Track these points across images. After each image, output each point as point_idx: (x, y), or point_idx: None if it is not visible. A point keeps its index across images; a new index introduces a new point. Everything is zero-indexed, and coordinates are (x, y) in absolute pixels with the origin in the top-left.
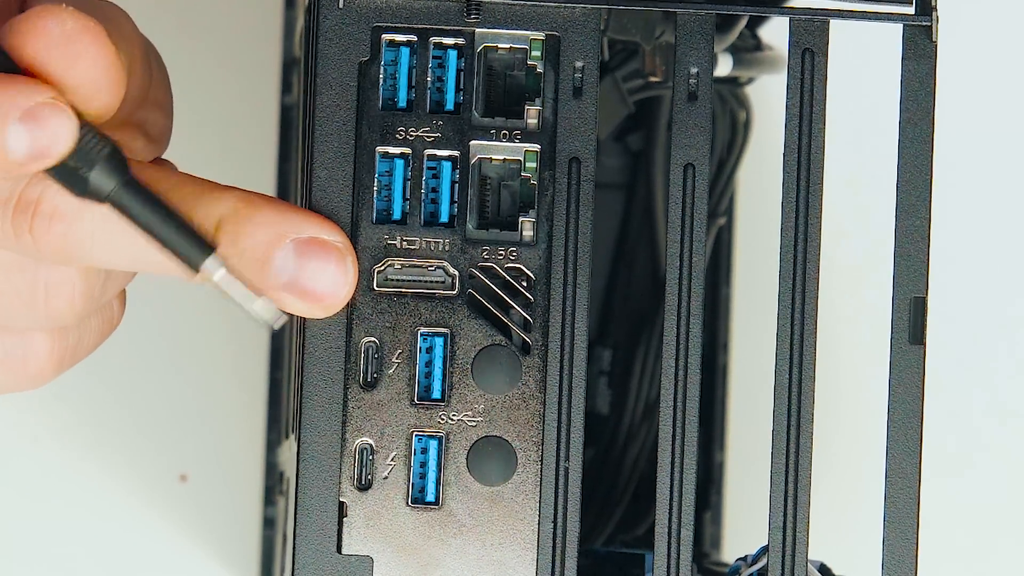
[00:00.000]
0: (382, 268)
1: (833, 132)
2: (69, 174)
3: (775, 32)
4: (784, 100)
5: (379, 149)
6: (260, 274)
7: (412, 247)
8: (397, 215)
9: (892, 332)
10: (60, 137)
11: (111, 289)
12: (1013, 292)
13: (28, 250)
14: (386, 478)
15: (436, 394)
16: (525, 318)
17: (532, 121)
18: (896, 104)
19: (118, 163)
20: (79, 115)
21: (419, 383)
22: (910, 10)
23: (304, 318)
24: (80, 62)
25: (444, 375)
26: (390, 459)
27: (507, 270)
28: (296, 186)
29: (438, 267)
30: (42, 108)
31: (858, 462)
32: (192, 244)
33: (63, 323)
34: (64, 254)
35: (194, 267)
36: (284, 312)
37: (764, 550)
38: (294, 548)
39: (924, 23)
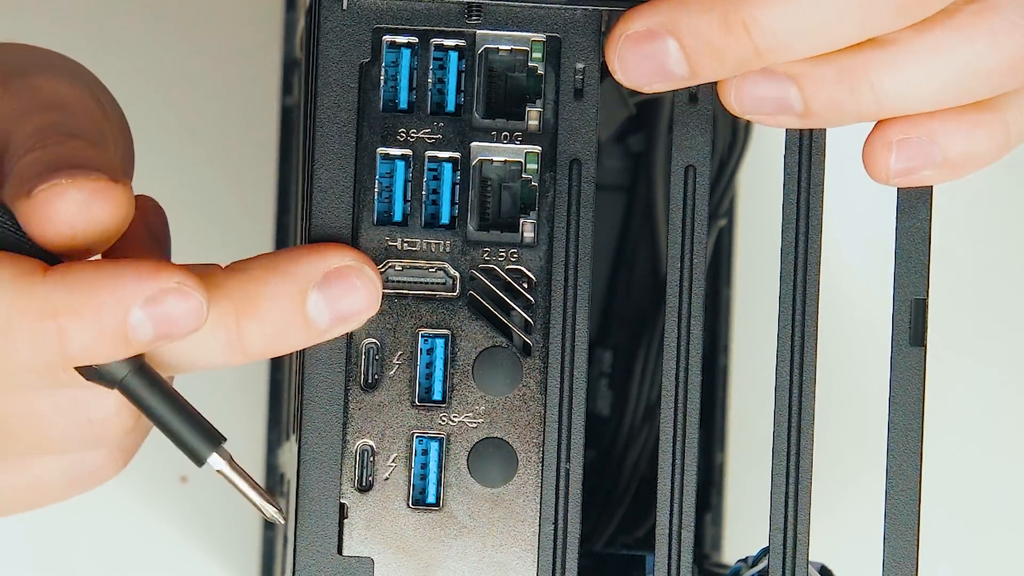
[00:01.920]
0: (383, 270)
1: (834, 133)
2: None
3: None
4: None
5: (380, 150)
6: (306, 334)
7: (413, 249)
8: (398, 217)
9: (893, 334)
10: (189, 319)
11: None
12: (1014, 292)
13: (73, 384)
14: (387, 479)
15: (437, 395)
16: (526, 319)
17: (533, 123)
18: None
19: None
20: None
21: (420, 384)
22: None
23: None
24: (96, 221)
25: (445, 376)
26: (391, 460)
27: (508, 272)
28: (297, 188)
29: (439, 268)
30: (166, 294)
31: (859, 463)
32: (199, 437)
33: (116, 442)
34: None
35: (200, 460)
36: (279, 512)
37: (765, 551)
38: (295, 549)
39: None
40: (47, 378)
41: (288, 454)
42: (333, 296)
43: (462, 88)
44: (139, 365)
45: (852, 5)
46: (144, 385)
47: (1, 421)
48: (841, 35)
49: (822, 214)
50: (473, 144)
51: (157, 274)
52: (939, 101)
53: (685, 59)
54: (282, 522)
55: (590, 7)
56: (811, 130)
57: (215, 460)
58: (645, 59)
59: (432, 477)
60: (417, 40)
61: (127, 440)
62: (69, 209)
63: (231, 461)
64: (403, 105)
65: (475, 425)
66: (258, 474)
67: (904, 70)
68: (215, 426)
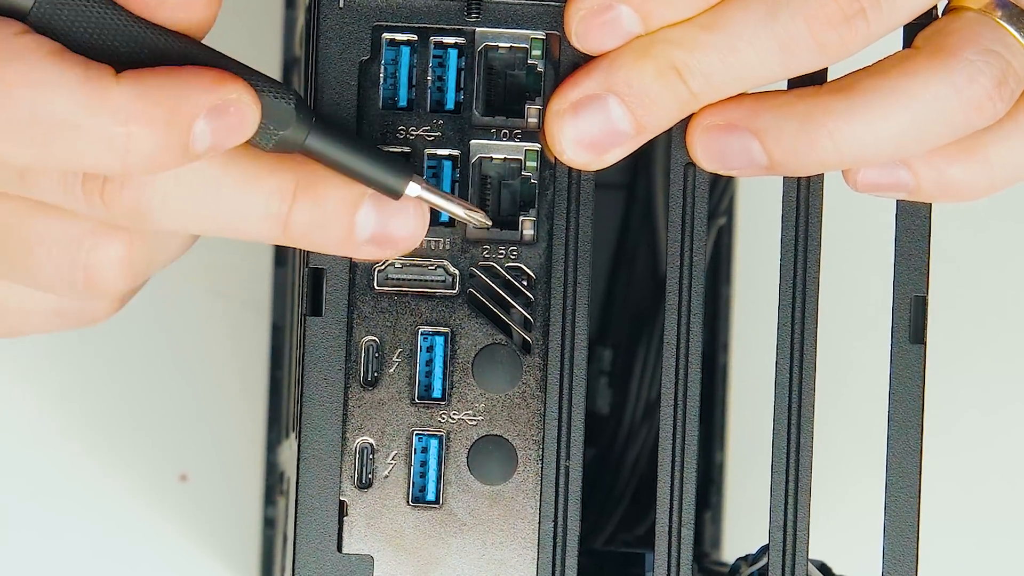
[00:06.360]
0: (383, 267)
1: None
2: (259, 134)
3: None
4: None
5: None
6: (344, 239)
7: None
8: None
9: (892, 331)
10: (242, 131)
11: (160, 261)
12: (1014, 291)
13: (99, 214)
14: (387, 477)
15: (437, 393)
16: (525, 317)
17: (532, 120)
18: None
19: (302, 116)
20: (259, 79)
21: (420, 382)
22: None
23: (304, 318)
24: None
25: (445, 374)
26: (391, 458)
27: (508, 269)
28: None
29: (439, 266)
30: (228, 105)
31: (859, 461)
32: (390, 172)
33: (105, 297)
34: (133, 218)
35: (398, 193)
36: (485, 215)
37: (764, 549)
38: (294, 547)
39: (924, 22)
40: (80, 195)
41: (288, 452)
42: (385, 215)
43: (461, 86)
44: (313, 127)
45: (772, 48)
46: (325, 140)
47: (2, 237)
48: (765, 74)
49: (822, 211)
50: (473, 142)
51: (223, 84)
52: (902, 147)
53: (629, 114)
54: (489, 224)
55: None
56: None
57: (412, 188)
58: (592, 126)
59: (432, 475)
60: (416, 37)
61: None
62: None
63: (425, 183)
64: (402, 103)
65: (475, 423)
66: (258, 472)
67: (862, 117)
68: (399, 157)
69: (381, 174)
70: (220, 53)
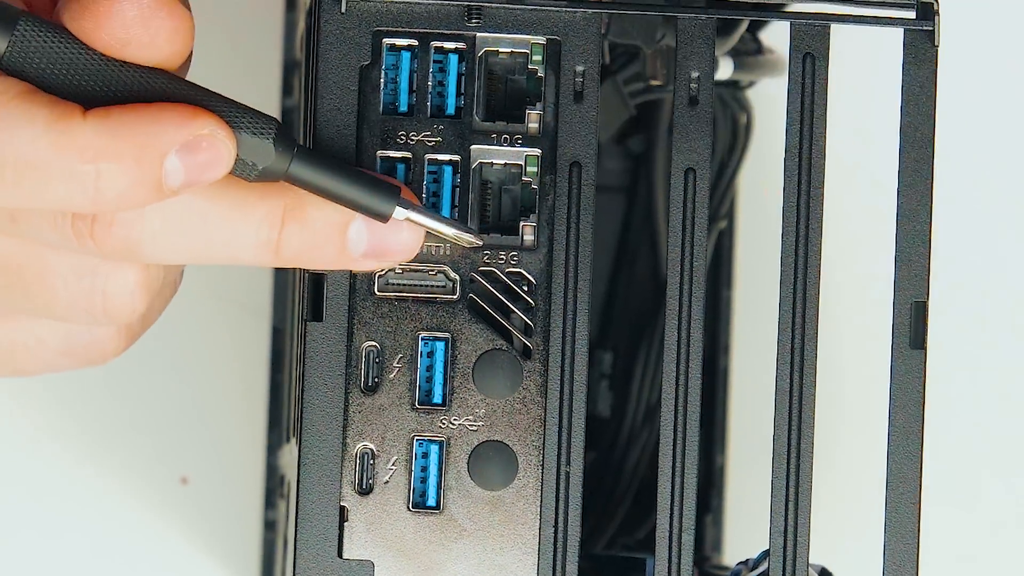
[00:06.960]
0: (383, 272)
1: (834, 136)
2: (239, 167)
3: (776, 35)
4: (785, 104)
5: (380, 153)
6: (338, 251)
7: None
8: None
9: (893, 336)
10: (218, 166)
11: (171, 276)
12: (1014, 295)
13: (91, 253)
14: (387, 483)
15: (437, 399)
16: (526, 322)
17: (533, 125)
18: (897, 108)
19: (283, 148)
20: (238, 109)
21: (420, 388)
22: (911, 15)
23: (305, 323)
24: (160, 36)
25: (445, 380)
26: (391, 464)
27: (508, 274)
28: None
29: (439, 271)
30: (200, 140)
31: (859, 466)
32: (376, 196)
33: (124, 322)
34: (125, 255)
35: (385, 217)
36: (476, 235)
37: (765, 554)
38: (295, 552)
39: (926, 27)
40: (71, 235)
41: (288, 456)
42: (378, 229)
43: (462, 91)
44: (295, 155)
45: None
46: (308, 169)
47: (16, 272)
48: None
49: (822, 216)
50: (473, 147)
51: (194, 119)
52: None
53: None
54: (480, 244)
55: (590, 10)
56: (811, 132)
57: (399, 212)
58: None
59: (432, 480)
60: (417, 43)
61: (135, 323)
62: (128, 12)
63: (413, 206)
64: (403, 108)
65: (475, 428)
66: (259, 476)
67: None
68: (384, 179)
69: (367, 199)
70: (199, 87)
